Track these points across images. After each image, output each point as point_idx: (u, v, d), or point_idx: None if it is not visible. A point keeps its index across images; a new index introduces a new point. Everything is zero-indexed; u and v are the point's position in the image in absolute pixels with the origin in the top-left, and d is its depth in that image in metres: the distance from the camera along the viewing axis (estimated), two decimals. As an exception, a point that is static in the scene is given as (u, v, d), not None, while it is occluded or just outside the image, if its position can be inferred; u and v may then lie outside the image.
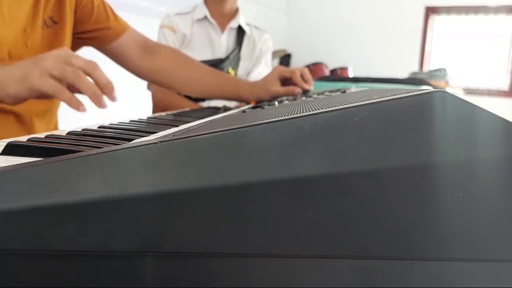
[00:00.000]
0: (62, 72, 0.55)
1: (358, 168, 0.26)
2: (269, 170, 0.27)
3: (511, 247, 0.26)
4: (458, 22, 4.37)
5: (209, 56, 1.41)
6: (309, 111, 0.31)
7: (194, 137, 0.28)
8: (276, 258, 0.27)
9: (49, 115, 0.85)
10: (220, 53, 1.43)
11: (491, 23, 4.24)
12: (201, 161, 0.28)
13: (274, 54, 3.94)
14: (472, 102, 0.27)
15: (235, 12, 1.46)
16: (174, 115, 0.83)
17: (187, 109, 1.10)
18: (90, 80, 0.57)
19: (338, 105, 0.30)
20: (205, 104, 1.33)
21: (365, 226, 0.26)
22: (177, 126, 0.59)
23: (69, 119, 0.95)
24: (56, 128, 0.88)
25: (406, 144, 0.26)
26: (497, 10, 4.19)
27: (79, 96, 0.57)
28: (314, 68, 3.62)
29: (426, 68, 4.28)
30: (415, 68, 4.31)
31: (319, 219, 0.27)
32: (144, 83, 1.30)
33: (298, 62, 4.35)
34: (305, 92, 0.96)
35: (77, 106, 0.54)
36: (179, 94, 1.29)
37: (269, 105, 0.71)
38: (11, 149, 0.40)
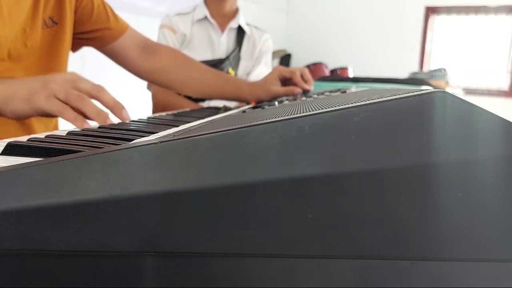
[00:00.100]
0: (68, 96, 0.56)
1: (358, 168, 0.26)
2: (269, 170, 0.27)
3: (511, 247, 0.26)
4: (458, 22, 4.37)
5: (209, 56, 1.41)
6: (309, 111, 0.31)
7: (195, 137, 0.28)
8: (276, 258, 0.28)
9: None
10: (220, 53, 1.43)
11: (491, 23, 4.24)
12: (201, 161, 0.28)
13: (274, 54, 3.94)
14: (472, 102, 0.27)
15: (235, 12, 1.46)
16: (174, 115, 0.83)
17: (187, 109, 1.10)
18: (97, 103, 0.58)
19: (338, 105, 0.30)
20: (205, 104, 1.33)
21: (365, 226, 0.26)
22: (177, 126, 0.59)
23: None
24: (56, 128, 0.88)
25: (406, 144, 0.26)
26: (497, 10, 4.19)
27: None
28: (314, 68, 3.63)
29: (426, 68, 4.28)
30: (415, 68, 4.31)
31: (319, 219, 0.27)
32: (144, 83, 1.30)
33: (298, 62, 4.36)
34: (305, 92, 0.96)
35: (81, 125, 0.56)
36: (179, 94, 1.29)
37: (269, 105, 0.71)
38: (11, 149, 0.40)
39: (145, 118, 0.74)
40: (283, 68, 0.99)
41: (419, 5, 4.39)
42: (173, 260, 0.28)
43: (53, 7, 0.78)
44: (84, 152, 0.33)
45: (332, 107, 0.30)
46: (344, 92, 0.70)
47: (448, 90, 0.39)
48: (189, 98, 1.31)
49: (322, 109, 0.30)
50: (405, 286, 0.27)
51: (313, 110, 0.31)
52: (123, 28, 0.90)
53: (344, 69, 3.73)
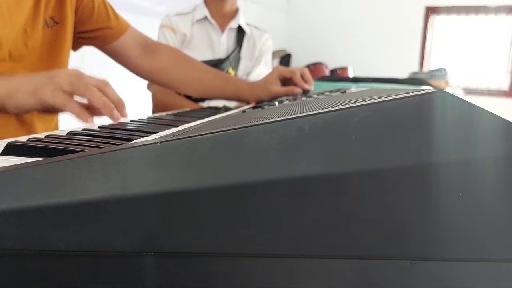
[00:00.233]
0: (74, 86, 0.56)
1: (358, 168, 0.26)
2: (269, 170, 0.27)
3: (511, 247, 0.26)
4: (458, 22, 4.37)
5: (209, 56, 1.41)
6: (309, 111, 0.31)
7: (195, 137, 0.28)
8: (276, 258, 0.28)
9: (50, 116, 0.85)
10: (220, 53, 1.43)
11: (491, 23, 4.24)
12: (201, 161, 0.28)
13: (274, 54, 3.94)
14: (472, 102, 0.27)
15: (235, 12, 1.46)
16: (174, 115, 0.83)
17: (187, 109, 1.10)
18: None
19: (338, 105, 0.30)
20: (205, 104, 1.33)
21: (365, 226, 0.26)
22: (177, 126, 0.59)
23: (69, 119, 0.95)
24: (56, 128, 0.88)
25: (406, 144, 0.26)
26: (497, 10, 4.19)
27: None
28: (314, 68, 3.62)
29: (426, 68, 4.28)
30: (415, 68, 4.31)
31: (319, 219, 0.27)
32: (144, 83, 1.30)
33: (298, 62, 4.36)
34: (305, 92, 0.96)
35: (86, 119, 0.55)
36: (179, 94, 1.29)
37: (269, 105, 0.71)
38: (11, 149, 0.40)
39: (145, 118, 0.74)
40: (283, 68, 0.99)
41: (419, 5, 4.39)
42: (173, 260, 0.28)
43: (54, 7, 0.78)
44: (84, 152, 0.33)
45: (332, 107, 0.30)
46: (344, 92, 0.70)
47: (448, 90, 0.39)
48: (189, 98, 1.31)
49: (322, 109, 0.30)
50: (405, 286, 0.27)
51: (313, 110, 0.31)
52: (123, 27, 0.90)
53: (344, 69, 3.73)
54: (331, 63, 4.05)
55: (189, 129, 0.48)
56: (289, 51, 4.60)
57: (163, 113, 0.89)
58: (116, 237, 0.27)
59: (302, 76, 0.97)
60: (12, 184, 0.28)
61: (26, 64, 0.76)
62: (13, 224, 0.27)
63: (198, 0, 1.47)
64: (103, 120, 0.63)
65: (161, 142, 0.29)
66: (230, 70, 1.42)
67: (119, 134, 0.50)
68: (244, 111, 0.68)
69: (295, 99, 0.80)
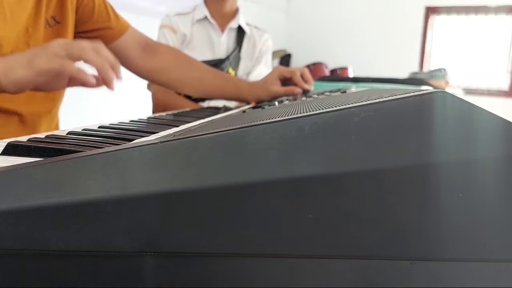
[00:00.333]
0: (68, 50, 0.55)
1: (358, 168, 0.26)
2: (270, 170, 0.27)
3: (511, 247, 0.26)
4: (458, 22, 4.37)
5: (209, 57, 1.41)
6: (309, 111, 0.31)
7: (195, 137, 0.28)
8: (276, 258, 0.28)
9: (51, 116, 0.86)
10: (220, 54, 1.43)
11: (491, 23, 4.24)
12: (201, 161, 0.28)
13: (274, 54, 3.94)
14: (472, 102, 0.27)
15: (235, 12, 1.46)
16: (174, 115, 0.83)
17: (187, 109, 1.10)
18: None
19: (338, 105, 0.30)
20: (205, 104, 1.33)
21: (365, 226, 0.26)
22: (178, 126, 0.59)
23: (69, 119, 0.95)
24: (57, 128, 0.88)
25: (406, 144, 0.26)
26: (497, 10, 4.19)
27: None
28: (314, 68, 3.62)
29: (426, 68, 4.28)
30: (415, 68, 4.31)
31: (319, 219, 0.27)
32: (144, 83, 1.30)
33: (298, 62, 4.35)
34: (305, 92, 0.96)
35: (86, 78, 0.55)
36: (179, 94, 1.29)
37: (269, 105, 0.71)
38: (11, 149, 0.40)
39: (145, 118, 0.74)
40: (283, 68, 0.99)
41: (419, 5, 4.39)
42: (173, 260, 0.28)
43: (55, 7, 0.78)
44: (84, 152, 0.33)
45: (332, 107, 0.30)
46: (344, 92, 0.70)
47: (448, 90, 0.39)
48: (189, 98, 1.31)
49: (322, 109, 0.30)
50: (405, 286, 0.27)
51: (313, 110, 0.31)
52: (124, 27, 0.90)
53: (344, 69, 3.73)
54: (331, 63, 4.05)
55: (189, 129, 0.48)
56: (289, 51, 4.60)
57: (163, 113, 0.89)
58: (116, 237, 0.27)
59: (302, 76, 0.97)
60: (12, 184, 0.28)
61: None
62: (13, 224, 0.27)
63: (198, 0, 1.47)
64: (103, 120, 0.63)
65: (161, 142, 0.29)
66: (230, 70, 1.42)
67: (119, 134, 0.50)
68: (244, 111, 0.68)
69: (295, 99, 0.80)
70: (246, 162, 0.27)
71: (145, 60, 0.94)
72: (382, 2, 4.46)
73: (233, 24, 1.45)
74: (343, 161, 0.26)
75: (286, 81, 0.98)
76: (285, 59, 4.50)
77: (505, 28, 4.19)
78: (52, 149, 0.39)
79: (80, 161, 0.29)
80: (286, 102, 0.74)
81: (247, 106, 0.98)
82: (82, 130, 0.55)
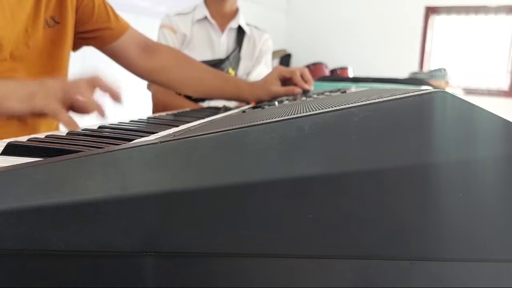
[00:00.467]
0: (65, 91, 0.57)
1: (358, 168, 0.26)
2: (269, 170, 0.27)
3: (511, 247, 0.26)
4: (458, 22, 4.37)
5: (209, 57, 1.41)
6: (309, 111, 0.31)
7: (195, 137, 0.28)
8: (276, 258, 0.27)
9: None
10: (220, 54, 1.43)
11: (491, 23, 4.24)
12: (201, 161, 0.28)
13: (274, 54, 3.94)
14: (472, 102, 0.27)
15: (235, 12, 1.46)
16: (174, 115, 0.83)
17: (187, 109, 1.10)
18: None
19: (338, 105, 0.30)
20: (205, 104, 1.33)
21: (365, 226, 0.26)
22: (177, 126, 0.59)
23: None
24: (57, 128, 0.88)
25: (406, 144, 0.26)
26: (497, 10, 4.19)
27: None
28: (314, 68, 3.62)
29: (426, 68, 4.28)
30: (415, 68, 4.31)
31: (319, 219, 0.27)
32: (144, 83, 1.30)
33: (298, 62, 4.35)
34: (305, 92, 0.96)
35: (74, 128, 0.56)
36: (179, 94, 1.29)
37: (269, 105, 0.71)
38: (11, 149, 0.40)
39: (145, 118, 0.74)
40: (283, 68, 0.99)
41: (419, 5, 4.39)
42: (173, 260, 0.28)
43: (54, 7, 0.78)
44: (84, 152, 0.33)
45: (332, 107, 0.30)
46: (344, 92, 0.70)
47: (448, 90, 0.39)
48: (189, 98, 1.31)
49: (322, 109, 0.30)
50: (405, 286, 0.27)
51: (313, 110, 0.31)
52: (123, 27, 0.90)
53: (344, 69, 3.73)
54: (331, 63, 4.05)
55: (189, 129, 0.48)
56: (289, 51, 4.60)
57: (163, 113, 0.89)
58: (116, 237, 0.27)
59: (302, 76, 0.97)
60: (12, 184, 0.28)
61: (27, 64, 0.76)
62: (13, 224, 0.27)
63: (198, 0, 1.47)
64: (103, 120, 0.63)
65: (161, 142, 0.29)
66: (230, 70, 1.41)
67: (119, 134, 0.50)
68: (244, 111, 0.68)
69: (295, 99, 0.79)
70: (246, 162, 0.27)
71: (145, 60, 0.94)
72: (382, 2, 4.46)
73: (233, 24, 1.45)
74: (343, 161, 0.26)
75: (286, 81, 0.98)
76: (285, 59, 4.50)
77: (505, 28, 4.19)
78: (52, 149, 0.39)
79: (80, 161, 0.29)
80: (286, 102, 0.74)
81: (247, 106, 0.98)
82: (82, 130, 0.55)
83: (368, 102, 0.28)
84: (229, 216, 0.27)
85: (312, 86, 0.99)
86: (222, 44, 1.44)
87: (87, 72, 0.61)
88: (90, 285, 0.28)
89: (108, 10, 0.87)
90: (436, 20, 4.42)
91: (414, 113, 0.26)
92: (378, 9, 4.46)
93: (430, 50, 4.44)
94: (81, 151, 0.36)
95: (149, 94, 1.41)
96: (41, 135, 0.50)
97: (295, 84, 0.96)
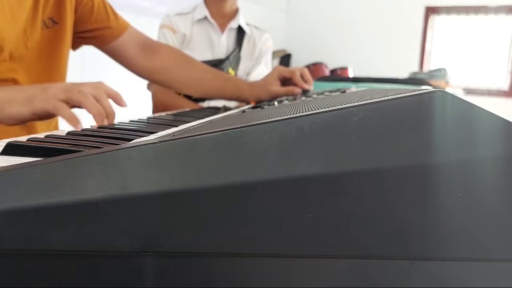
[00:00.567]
0: (67, 93, 0.57)
1: (358, 168, 0.26)
2: (269, 170, 0.27)
3: (511, 247, 0.26)
4: (458, 22, 4.37)
5: (209, 57, 1.41)
6: (309, 111, 0.31)
7: (194, 137, 0.28)
8: (276, 258, 0.27)
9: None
10: (220, 54, 1.43)
11: (491, 23, 4.24)
12: (201, 160, 0.28)
13: (274, 54, 3.94)
14: (472, 102, 0.27)
15: (235, 13, 1.46)
16: (174, 115, 0.83)
17: (187, 109, 1.10)
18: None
19: (338, 105, 0.30)
20: (205, 104, 1.33)
21: (365, 226, 0.26)
22: (177, 126, 0.59)
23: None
24: (56, 128, 0.88)
25: (406, 144, 0.26)
26: (497, 10, 4.19)
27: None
28: (314, 68, 3.62)
29: (426, 68, 4.28)
30: (415, 68, 4.31)
31: (319, 219, 0.27)
32: (144, 83, 1.30)
33: (298, 62, 4.35)
34: (305, 92, 0.96)
35: (76, 124, 0.56)
36: (179, 94, 1.29)
37: (269, 105, 0.71)
38: (11, 149, 0.40)
39: (145, 118, 0.74)
40: (283, 68, 0.99)
41: (419, 5, 4.39)
42: (173, 260, 0.28)
43: (52, 7, 0.78)
44: (84, 152, 0.33)
45: (331, 107, 0.30)
46: (344, 92, 0.70)
47: (448, 90, 0.39)
48: (189, 98, 1.31)
49: (322, 109, 0.30)
50: (405, 286, 0.27)
51: (312, 110, 0.31)
52: (123, 27, 0.90)
53: (344, 69, 3.73)
54: (331, 63, 4.05)
55: (188, 129, 0.48)
56: (289, 51, 4.60)
57: (163, 113, 0.89)
58: (116, 237, 0.27)
59: (302, 76, 0.97)
60: (12, 184, 0.28)
61: (26, 64, 0.76)
62: (13, 224, 0.27)
63: (198, 0, 1.47)
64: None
65: (160, 142, 0.29)
66: (230, 70, 1.42)
67: (119, 134, 0.50)
68: (244, 111, 0.68)
69: (295, 99, 0.79)
70: (245, 161, 0.27)
71: (145, 59, 0.94)
72: (382, 2, 4.46)
73: (233, 24, 1.45)
74: (343, 161, 0.26)
75: (286, 81, 0.98)
76: (285, 59, 4.50)
77: (505, 28, 4.19)
78: (52, 149, 0.39)
79: (80, 161, 0.29)
80: (286, 102, 0.74)
81: (247, 106, 0.98)
82: (82, 130, 0.55)
83: (367, 102, 0.28)
84: (229, 216, 0.27)
85: (312, 86, 0.99)
86: (222, 44, 1.44)
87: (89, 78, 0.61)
88: (90, 285, 0.28)
89: (107, 9, 0.87)
90: (436, 20, 4.43)
91: (414, 113, 0.26)
92: (378, 9, 4.46)
93: (430, 50, 4.44)
94: (81, 151, 0.36)
95: (149, 94, 1.41)
96: (41, 135, 0.50)
97: (295, 84, 0.96)
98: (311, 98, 0.67)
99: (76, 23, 0.84)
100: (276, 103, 0.74)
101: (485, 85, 4.27)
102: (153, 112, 1.38)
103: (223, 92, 1.01)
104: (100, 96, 0.59)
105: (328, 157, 0.26)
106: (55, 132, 0.54)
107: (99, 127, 0.58)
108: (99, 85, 0.60)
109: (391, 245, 0.27)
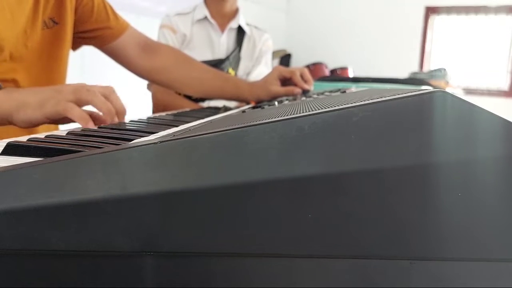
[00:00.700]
0: (77, 94, 0.57)
1: (358, 168, 0.26)
2: (269, 170, 0.27)
3: (511, 247, 0.26)
4: (458, 22, 4.37)
5: (209, 57, 1.41)
6: (309, 111, 0.31)
7: (194, 137, 0.28)
8: (276, 258, 0.27)
9: None
10: (220, 54, 1.43)
11: (491, 23, 4.24)
12: (201, 161, 0.28)
13: (274, 54, 3.94)
14: (472, 102, 0.27)
15: (235, 13, 1.46)
16: (174, 115, 0.83)
17: (187, 109, 1.10)
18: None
19: (338, 105, 0.30)
20: (205, 104, 1.33)
21: (365, 226, 0.26)
22: (177, 126, 0.59)
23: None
24: (57, 128, 0.88)
25: (406, 144, 0.26)
26: (497, 10, 4.19)
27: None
28: (314, 68, 3.63)
29: (426, 68, 4.28)
30: (415, 68, 4.31)
31: (319, 219, 0.27)
32: (144, 83, 1.30)
33: (298, 62, 4.35)
34: (305, 92, 0.96)
35: (86, 123, 0.57)
36: (179, 94, 1.29)
37: (269, 105, 0.71)
38: (11, 149, 0.40)
39: (145, 118, 0.74)
40: (283, 68, 0.99)
41: (419, 5, 4.39)
42: (173, 260, 0.28)
43: (52, 8, 0.78)
44: (84, 152, 0.33)
45: (331, 107, 0.30)
46: (344, 92, 0.70)
47: (448, 90, 0.39)
48: (189, 98, 1.31)
49: (322, 109, 0.30)
50: (405, 286, 0.27)
51: (313, 110, 0.31)
52: (123, 27, 0.90)
53: (344, 69, 3.73)
54: (331, 63, 4.05)
55: (189, 129, 0.48)
56: (289, 51, 4.60)
57: (163, 113, 0.89)
58: (116, 237, 0.27)
59: (302, 76, 0.97)
60: (12, 184, 0.28)
61: (27, 65, 0.76)
62: (13, 224, 0.27)
63: (198, 0, 1.47)
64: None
65: (160, 142, 0.29)
66: (230, 70, 1.42)
67: (119, 134, 0.50)
68: (244, 111, 0.68)
69: (295, 99, 0.79)
70: (245, 162, 0.27)
71: (145, 60, 0.94)
72: (382, 2, 4.46)
73: (233, 24, 1.45)
74: (343, 161, 0.26)
75: (286, 81, 0.98)
76: (285, 59, 4.50)
77: (505, 28, 4.19)
78: (52, 149, 0.39)
79: (80, 161, 0.29)
80: (286, 102, 0.74)
81: (247, 106, 0.98)
82: (82, 130, 0.55)
83: (367, 102, 0.28)
84: (229, 216, 0.27)
85: (312, 86, 0.99)
86: (222, 44, 1.44)
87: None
88: (90, 285, 0.28)
89: (107, 10, 0.87)
90: (436, 20, 4.43)
91: (414, 113, 0.26)
92: (378, 9, 4.46)
93: (430, 50, 4.45)
94: (81, 151, 0.36)
95: (149, 94, 1.41)
96: (41, 135, 0.50)
97: (295, 84, 0.96)
98: (311, 98, 0.67)
99: (76, 23, 0.84)
100: (276, 103, 0.74)
101: (485, 85, 4.28)
102: (153, 112, 1.38)
103: (223, 92, 1.01)
104: (110, 95, 0.59)
105: (328, 157, 0.26)
106: (55, 132, 0.54)
107: (99, 127, 0.58)
108: (109, 87, 0.61)
109: (391, 245, 0.27)
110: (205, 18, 1.43)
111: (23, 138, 0.46)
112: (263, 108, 0.67)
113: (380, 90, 0.53)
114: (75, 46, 0.89)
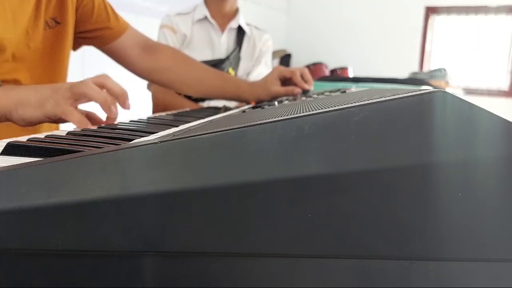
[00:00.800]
0: (73, 89, 0.58)
1: (358, 168, 0.26)
2: (269, 170, 0.27)
3: (511, 247, 0.26)
4: (458, 22, 4.37)
5: (209, 57, 1.41)
6: (309, 111, 0.31)
7: (194, 137, 0.28)
8: (276, 258, 0.27)
9: None
10: (220, 54, 1.43)
11: (491, 23, 4.24)
12: (201, 161, 0.28)
13: (274, 54, 3.94)
14: (472, 102, 0.27)
15: (235, 13, 1.46)
16: (174, 115, 0.83)
17: (187, 109, 1.10)
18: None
19: (338, 105, 0.30)
20: (205, 104, 1.33)
21: (365, 226, 0.26)
22: (177, 126, 0.59)
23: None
24: (57, 128, 0.88)
25: (406, 144, 0.26)
26: (497, 10, 4.19)
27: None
28: (314, 68, 3.63)
29: (426, 68, 4.28)
30: (415, 68, 4.31)
31: (319, 219, 0.27)
32: (144, 83, 1.30)
33: (298, 62, 4.35)
34: (305, 92, 0.96)
35: (85, 126, 0.57)
36: (179, 94, 1.29)
37: (269, 105, 0.71)
38: (11, 149, 0.40)
39: (145, 118, 0.74)
40: (283, 68, 0.99)
41: (419, 5, 4.39)
42: (173, 260, 0.28)
43: (54, 8, 0.78)
44: (84, 152, 0.33)
45: (332, 107, 0.30)
46: (344, 92, 0.70)
47: (448, 90, 0.39)
48: (189, 98, 1.31)
49: (322, 109, 0.30)
50: (405, 286, 0.27)
51: (313, 110, 0.31)
52: (123, 27, 0.90)
53: (344, 69, 3.73)
54: (331, 63, 4.05)
55: (189, 129, 0.48)
56: (289, 51, 4.60)
57: (163, 113, 0.89)
58: (116, 237, 0.27)
59: (302, 76, 0.97)
60: (12, 184, 0.28)
61: (29, 65, 0.76)
62: (13, 224, 0.27)
63: (198, 0, 1.47)
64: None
65: (161, 142, 0.29)
66: (230, 70, 1.41)
67: (119, 134, 0.50)
68: (244, 111, 0.68)
69: (295, 99, 0.79)
70: (245, 162, 0.27)
71: (145, 60, 0.94)
72: (382, 2, 4.46)
73: (233, 24, 1.45)
74: (343, 161, 0.26)
75: (286, 81, 0.98)
76: (285, 59, 4.50)
77: (505, 28, 4.19)
78: (52, 149, 0.39)
79: (80, 161, 0.29)
80: (286, 102, 0.74)
81: (247, 106, 0.98)
82: (82, 130, 0.55)
83: (368, 102, 0.28)
84: (229, 216, 0.27)
85: (312, 86, 0.99)
86: (222, 44, 1.44)
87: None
88: (90, 285, 0.28)
89: (107, 10, 0.87)
90: (436, 20, 4.43)
91: (414, 113, 0.26)
92: (378, 9, 4.46)
93: (430, 50, 4.44)
94: (81, 151, 0.36)
95: (149, 94, 1.41)
96: (41, 135, 0.50)
97: (295, 84, 0.96)
98: (311, 98, 0.67)
99: (76, 24, 0.84)
100: (276, 103, 0.74)
101: (485, 85, 4.27)
102: (153, 112, 1.38)
103: (223, 92, 1.01)
104: (105, 81, 0.59)
105: (328, 157, 0.26)
106: (55, 132, 0.54)
107: (99, 127, 0.58)
108: (103, 74, 0.61)
109: (391, 245, 0.27)
110: (205, 18, 1.43)
111: (23, 138, 0.46)
112: (263, 108, 0.67)
113: (380, 90, 0.53)
114: (75, 46, 0.89)
